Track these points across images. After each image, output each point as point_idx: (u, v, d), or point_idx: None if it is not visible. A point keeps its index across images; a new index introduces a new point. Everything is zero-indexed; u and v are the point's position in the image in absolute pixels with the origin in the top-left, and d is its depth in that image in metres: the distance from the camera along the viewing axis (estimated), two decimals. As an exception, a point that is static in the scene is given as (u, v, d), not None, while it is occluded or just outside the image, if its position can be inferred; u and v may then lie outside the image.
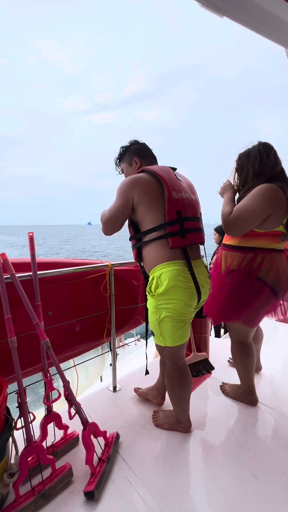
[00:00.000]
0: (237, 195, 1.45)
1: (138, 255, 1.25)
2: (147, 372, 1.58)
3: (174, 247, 1.12)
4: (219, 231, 3.69)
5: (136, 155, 1.34)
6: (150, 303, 1.20)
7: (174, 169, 1.27)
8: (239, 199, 1.37)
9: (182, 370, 1.28)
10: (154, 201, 1.14)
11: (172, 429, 1.39)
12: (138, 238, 1.22)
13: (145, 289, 1.22)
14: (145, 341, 1.58)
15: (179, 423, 1.38)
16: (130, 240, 1.27)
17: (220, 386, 1.74)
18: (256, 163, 1.31)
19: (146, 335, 1.60)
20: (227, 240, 1.48)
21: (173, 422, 1.40)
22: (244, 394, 1.60)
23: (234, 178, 1.47)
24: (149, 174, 1.18)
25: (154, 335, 1.25)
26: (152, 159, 1.36)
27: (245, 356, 1.53)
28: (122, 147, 1.39)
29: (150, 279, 1.17)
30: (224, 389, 1.70)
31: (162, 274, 1.12)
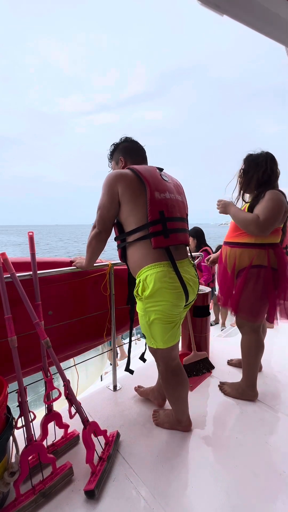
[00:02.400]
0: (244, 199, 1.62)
1: (123, 255, 1.24)
2: (130, 371, 1.62)
3: (157, 247, 1.10)
4: (194, 235, 3.35)
5: (122, 153, 1.33)
6: (139, 306, 1.19)
7: (161, 169, 1.27)
8: (251, 206, 1.47)
9: (177, 371, 1.28)
10: (136, 199, 1.13)
11: (173, 428, 1.40)
12: (122, 239, 1.22)
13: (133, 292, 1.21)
14: (145, 340, 1.59)
15: (179, 422, 1.38)
16: (115, 240, 1.27)
17: (219, 386, 1.75)
18: (261, 172, 1.47)
19: (130, 338, 1.61)
20: (240, 238, 1.54)
21: (173, 421, 1.40)
22: (246, 390, 1.62)
23: (239, 178, 1.59)
24: (133, 172, 1.17)
25: (145, 338, 1.24)
26: (140, 158, 1.34)
27: (259, 347, 1.61)
28: (112, 144, 1.38)
29: (137, 282, 1.16)
30: (224, 389, 1.70)
31: (148, 277, 1.10)
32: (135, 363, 2.21)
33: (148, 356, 1.64)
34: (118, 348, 4.17)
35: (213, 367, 1.98)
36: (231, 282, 1.60)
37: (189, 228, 1.45)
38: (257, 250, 1.49)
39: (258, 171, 1.47)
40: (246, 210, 1.49)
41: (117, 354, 4.16)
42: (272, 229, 1.40)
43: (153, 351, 1.29)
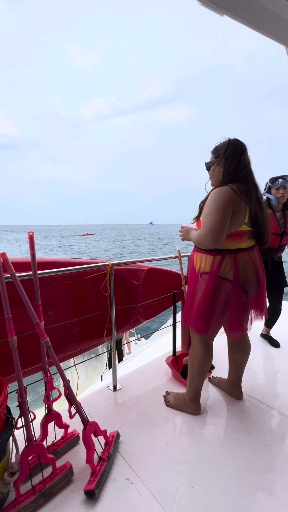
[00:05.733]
0: None
1: None
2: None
3: None
4: None
5: None
6: None
7: None
8: (201, 208, 1.35)
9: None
10: None
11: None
12: None
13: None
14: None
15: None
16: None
17: (164, 396, 1.66)
18: (223, 162, 1.30)
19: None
20: None
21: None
22: (187, 401, 1.53)
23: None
24: None
25: None
26: None
27: (205, 359, 1.47)
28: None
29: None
30: (167, 399, 1.62)
31: None
32: (135, 363, 2.21)
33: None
34: (126, 345, 4.17)
35: (213, 367, 1.98)
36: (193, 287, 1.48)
37: None
38: (206, 255, 1.35)
39: (220, 162, 1.31)
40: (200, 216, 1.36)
41: (122, 352, 4.18)
42: (221, 234, 1.21)
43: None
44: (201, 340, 1.45)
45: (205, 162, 1.41)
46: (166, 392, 1.67)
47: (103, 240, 50.62)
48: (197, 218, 1.40)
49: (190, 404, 1.52)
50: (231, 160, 1.28)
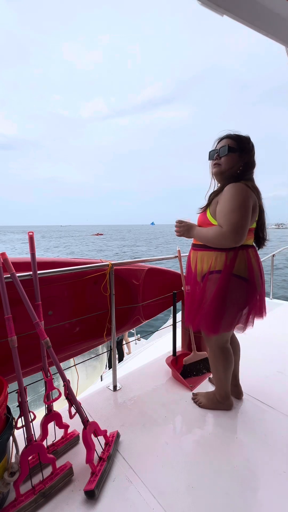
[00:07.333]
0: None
1: None
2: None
3: None
4: None
5: None
6: None
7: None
8: (211, 199, 1.32)
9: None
10: None
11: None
12: None
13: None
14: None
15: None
16: None
17: (192, 398, 1.63)
18: (247, 156, 1.28)
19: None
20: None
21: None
22: (220, 400, 1.53)
23: (216, 159, 1.33)
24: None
25: None
26: None
27: (228, 362, 1.46)
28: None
29: None
30: (198, 401, 1.58)
31: None
32: (135, 363, 2.21)
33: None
34: (126, 345, 4.18)
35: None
36: (193, 288, 1.42)
37: None
38: (216, 253, 1.29)
39: (243, 156, 1.27)
40: (207, 210, 1.32)
41: (122, 352, 4.19)
42: (245, 231, 1.18)
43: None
44: (219, 346, 1.44)
45: (229, 146, 1.27)
46: (193, 394, 1.66)
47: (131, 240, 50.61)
48: (205, 209, 1.35)
49: (225, 403, 1.54)
50: (254, 159, 1.30)
